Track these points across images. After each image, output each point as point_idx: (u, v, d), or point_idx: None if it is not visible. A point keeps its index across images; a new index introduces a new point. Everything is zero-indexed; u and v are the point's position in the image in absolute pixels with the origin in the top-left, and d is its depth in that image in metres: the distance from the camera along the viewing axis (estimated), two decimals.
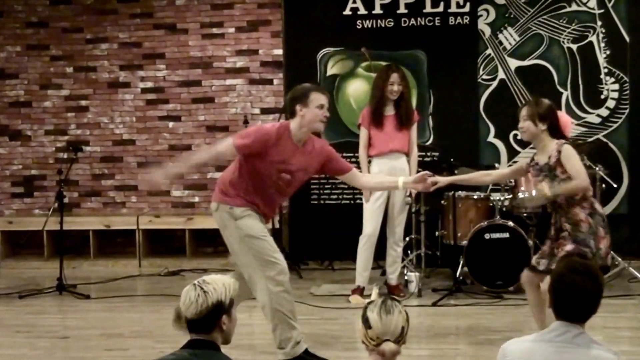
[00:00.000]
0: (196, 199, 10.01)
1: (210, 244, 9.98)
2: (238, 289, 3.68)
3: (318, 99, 5.82)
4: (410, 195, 7.69)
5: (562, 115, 5.80)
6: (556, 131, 5.67)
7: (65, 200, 8.68)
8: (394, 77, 7.56)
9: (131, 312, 7.76)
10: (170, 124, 10.01)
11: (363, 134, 7.74)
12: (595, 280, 3.42)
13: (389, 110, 7.68)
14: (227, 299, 3.59)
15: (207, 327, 3.59)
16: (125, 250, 9.93)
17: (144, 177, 5.92)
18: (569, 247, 5.54)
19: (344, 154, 7.39)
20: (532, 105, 5.68)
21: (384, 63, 8.37)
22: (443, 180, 6.09)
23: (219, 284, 3.60)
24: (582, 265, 3.45)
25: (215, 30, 9.88)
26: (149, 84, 10.00)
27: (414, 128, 7.77)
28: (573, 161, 5.55)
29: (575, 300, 3.39)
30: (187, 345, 3.64)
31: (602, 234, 5.58)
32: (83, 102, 10.13)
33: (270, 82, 9.84)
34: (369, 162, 7.72)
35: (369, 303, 3.56)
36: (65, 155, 9.46)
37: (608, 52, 9.02)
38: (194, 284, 3.60)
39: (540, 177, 5.71)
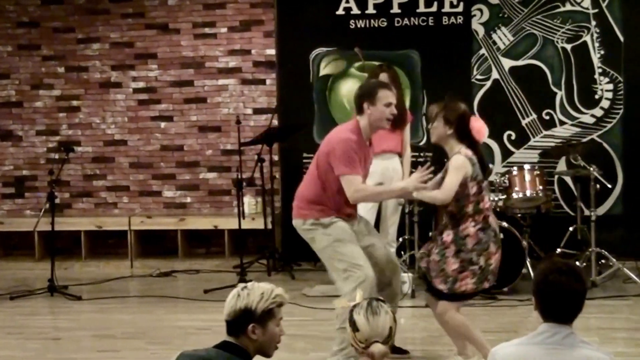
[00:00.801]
0: (188, 200, 9.97)
1: (202, 244, 9.96)
2: (282, 298, 3.60)
3: (386, 96, 5.77)
4: None
5: (476, 120, 5.74)
6: (465, 136, 5.59)
7: (57, 200, 8.66)
8: (383, 76, 7.55)
9: (123, 313, 7.73)
10: (162, 124, 9.96)
11: None
12: (580, 278, 3.41)
13: None
14: (259, 308, 3.55)
15: (235, 330, 3.59)
16: (117, 251, 9.89)
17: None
18: (454, 265, 5.50)
19: None
20: (442, 107, 5.59)
21: (377, 63, 8.35)
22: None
23: (256, 291, 3.57)
24: (565, 265, 3.43)
25: (207, 30, 9.84)
26: (141, 84, 9.95)
27: (407, 129, 7.75)
28: (451, 173, 5.48)
29: (562, 300, 3.38)
30: (219, 345, 3.62)
31: (494, 250, 5.53)
32: (75, 103, 10.08)
33: (262, 82, 9.81)
34: None
35: (355, 306, 3.54)
36: (57, 156, 9.41)
37: (602, 52, 9.00)
38: (238, 288, 3.61)
39: (438, 183, 5.64)
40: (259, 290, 3.57)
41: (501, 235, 7.54)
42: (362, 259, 5.69)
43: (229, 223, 9.38)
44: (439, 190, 5.52)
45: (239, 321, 3.56)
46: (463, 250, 5.49)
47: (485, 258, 5.50)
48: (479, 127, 5.67)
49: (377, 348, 3.46)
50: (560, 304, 3.39)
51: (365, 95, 5.77)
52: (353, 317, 3.49)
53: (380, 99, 5.73)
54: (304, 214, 5.89)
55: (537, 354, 3.38)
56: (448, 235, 5.53)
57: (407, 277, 7.84)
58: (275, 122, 9.23)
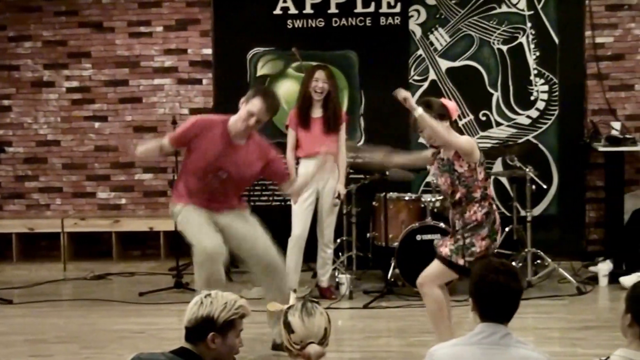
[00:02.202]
0: (123, 201, 9.83)
1: (137, 247, 9.84)
2: (245, 310, 3.60)
3: (255, 105, 5.91)
4: (338, 196, 7.67)
5: (448, 102, 5.84)
6: (456, 125, 5.70)
7: None
8: (318, 74, 7.57)
9: (56, 317, 7.60)
10: (97, 125, 9.81)
11: (290, 135, 7.74)
12: (516, 278, 3.45)
13: (317, 112, 7.66)
14: (221, 318, 3.53)
15: (194, 338, 3.55)
16: (50, 254, 9.72)
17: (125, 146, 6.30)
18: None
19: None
20: (427, 110, 5.58)
21: (314, 63, 8.33)
22: (399, 160, 6.05)
23: (219, 300, 3.56)
24: (502, 265, 3.47)
25: (142, 29, 9.71)
26: (75, 84, 9.79)
27: (343, 129, 7.76)
28: (460, 138, 5.54)
29: (499, 300, 3.41)
30: (176, 350, 3.57)
31: (484, 234, 5.55)
32: (5, 102, 9.88)
33: (199, 82, 9.71)
34: (297, 162, 7.69)
35: (289, 308, 3.52)
36: None
37: (538, 54, 9.07)
38: (202, 294, 3.60)
39: (440, 171, 5.66)
40: (222, 300, 3.56)
41: (439, 236, 7.72)
42: (202, 233, 5.89)
43: (164, 224, 9.27)
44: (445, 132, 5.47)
45: (200, 329, 3.54)
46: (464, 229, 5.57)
47: (475, 238, 5.53)
48: (452, 106, 5.73)
49: (313, 349, 3.44)
50: (497, 304, 3.42)
51: (248, 96, 6.00)
52: (287, 319, 3.47)
53: (250, 104, 5.92)
54: (172, 199, 6.22)
55: (474, 354, 3.40)
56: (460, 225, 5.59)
57: (344, 278, 7.84)
58: None
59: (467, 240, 5.54)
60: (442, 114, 5.60)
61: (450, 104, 5.78)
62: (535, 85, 9.09)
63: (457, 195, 5.58)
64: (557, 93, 9.07)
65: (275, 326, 5.75)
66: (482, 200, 5.57)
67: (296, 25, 9.23)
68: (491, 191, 5.75)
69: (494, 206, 5.68)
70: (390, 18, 9.16)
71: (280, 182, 6.35)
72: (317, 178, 7.37)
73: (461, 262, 5.56)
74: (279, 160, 6.30)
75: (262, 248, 6.08)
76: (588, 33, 9.11)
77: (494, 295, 3.41)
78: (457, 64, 9.14)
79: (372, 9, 9.15)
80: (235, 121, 5.97)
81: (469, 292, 3.54)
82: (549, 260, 8.15)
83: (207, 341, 3.53)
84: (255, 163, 6.03)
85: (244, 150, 5.99)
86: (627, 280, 7.88)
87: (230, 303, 3.56)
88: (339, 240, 8.29)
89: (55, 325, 7.32)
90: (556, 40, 9.06)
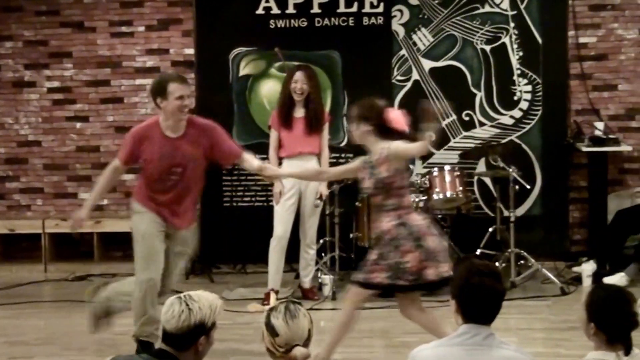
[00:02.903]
0: (105, 202, 9.76)
1: (119, 247, 9.76)
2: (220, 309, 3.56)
3: (176, 89, 5.86)
4: (320, 197, 7.65)
5: (391, 110, 5.79)
6: (384, 131, 5.60)
7: None
8: (298, 75, 7.55)
9: (36, 318, 7.57)
10: (78, 125, 9.75)
11: (273, 135, 7.73)
12: (499, 279, 3.46)
13: (299, 112, 7.65)
14: (210, 321, 3.48)
15: (183, 345, 3.47)
16: (31, 255, 9.63)
17: (73, 223, 6.25)
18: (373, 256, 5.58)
19: (258, 156, 7.21)
20: (355, 107, 5.66)
21: (296, 63, 8.30)
22: (279, 172, 6.10)
23: (205, 304, 3.48)
24: (485, 266, 3.47)
25: (124, 29, 9.65)
26: (56, 84, 9.73)
27: (325, 129, 7.75)
28: (405, 146, 5.54)
29: (483, 301, 3.41)
30: (155, 353, 3.50)
31: (408, 247, 5.49)
32: None
33: None
34: (280, 163, 7.66)
35: (271, 310, 3.50)
36: None
37: (521, 54, 9.07)
38: (180, 298, 3.48)
39: (367, 175, 5.65)
40: (207, 302, 3.50)
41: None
42: (149, 262, 5.98)
43: None
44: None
45: (190, 336, 3.47)
46: (380, 243, 5.50)
47: (400, 255, 5.46)
48: (394, 116, 5.67)
49: (299, 351, 3.42)
50: (480, 305, 3.42)
51: (157, 91, 5.94)
52: (271, 322, 3.43)
53: (172, 92, 5.85)
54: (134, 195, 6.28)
55: (457, 355, 3.40)
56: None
57: (327, 279, 7.82)
58: None
59: (397, 259, 5.48)
60: (367, 119, 5.60)
61: (391, 114, 5.72)
62: (519, 86, 9.09)
63: (376, 200, 5.64)
64: (540, 93, 9.07)
65: None
66: (398, 209, 5.55)
67: (279, 25, 9.20)
68: (408, 202, 5.68)
69: (412, 217, 5.60)
70: (373, 18, 9.14)
71: (235, 160, 6.25)
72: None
73: (402, 282, 5.53)
74: (226, 138, 6.21)
75: (168, 282, 6.15)
76: (571, 33, 9.12)
77: (477, 297, 3.41)
78: (440, 64, 9.12)
79: (354, 9, 9.13)
80: (166, 117, 5.93)
81: (451, 293, 3.53)
82: (533, 260, 8.15)
83: (198, 345, 3.49)
84: (202, 146, 6.01)
85: (186, 139, 5.98)
86: (611, 281, 7.87)
87: (214, 304, 3.52)
88: (321, 241, 8.27)
89: (35, 326, 7.28)
90: (539, 41, 9.05)
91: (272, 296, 3.57)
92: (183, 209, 6.07)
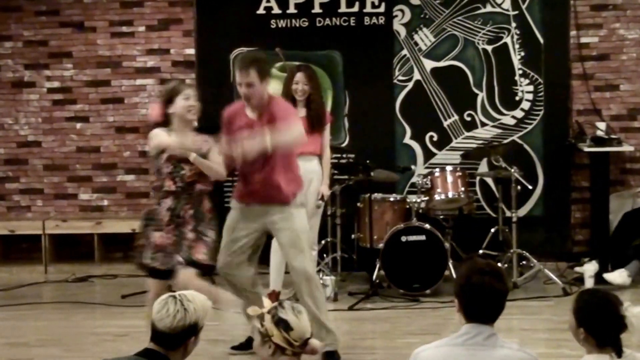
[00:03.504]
0: (105, 203, 9.74)
1: (120, 249, 9.74)
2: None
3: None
4: (322, 198, 7.61)
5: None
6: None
7: None
8: (298, 76, 7.50)
9: (37, 320, 7.54)
10: (78, 125, 9.72)
11: None
12: (502, 278, 3.47)
13: (300, 112, 7.58)
14: (202, 323, 3.51)
15: (174, 344, 3.47)
16: (31, 256, 9.61)
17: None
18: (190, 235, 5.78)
19: None
20: None
21: (297, 63, 8.26)
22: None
23: (199, 305, 3.51)
24: (487, 265, 3.47)
25: (124, 29, 9.63)
26: (56, 84, 9.70)
27: (327, 129, 7.69)
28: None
29: (484, 300, 3.41)
30: (143, 353, 3.48)
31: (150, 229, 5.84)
32: None
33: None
34: None
35: (275, 308, 3.49)
36: None
37: (522, 54, 9.05)
38: (175, 297, 3.49)
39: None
40: (200, 303, 3.53)
41: (424, 237, 7.67)
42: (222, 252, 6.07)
43: None
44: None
45: (182, 336, 3.48)
46: None
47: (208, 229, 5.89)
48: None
49: (315, 342, 3.46)
50: (483, 304, 3.42)
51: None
52: (282, 318, 3.43)
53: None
54: None
55: (460, 354, 3.39)
56: None
57: (329, 280, 7.79)
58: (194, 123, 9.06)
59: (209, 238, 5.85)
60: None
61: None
62: (520, 86, 9.06)
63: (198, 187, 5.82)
64: (542, 93, 9.05)
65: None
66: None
67: (280, 25, 9.18)
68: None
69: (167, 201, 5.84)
70: (374, 18, 9.11)
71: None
72: (304, 180, 7.35)
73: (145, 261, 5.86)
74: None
75: None
76: (573, 33, 9.10)
77: (480, 296, 3.40)
78: (441, 64, 9.10)
79: (356, 8, 9.10)
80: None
81: (454, 293, 3.53)
82: (535, 261, 8.12)
83: (188, 345, 3.50)
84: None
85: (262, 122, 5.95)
86: (611, 277, 7.87)
87: (205, 304, 3.55)
88: (323, 242, 8.24)
89: (36, 328, 7.26)
90: (541, 41, 9.03)
91: (265, 300, 3.57)
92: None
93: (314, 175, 7.54)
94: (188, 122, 5.89)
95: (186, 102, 5.84)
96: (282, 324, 3.43)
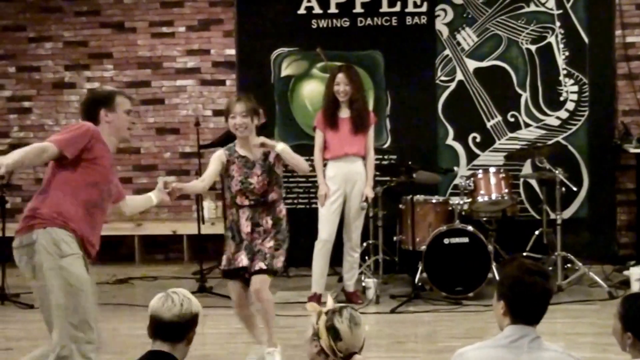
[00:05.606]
0: None
1: (161, 250, 9.79)
2: None
3: (124, 103, 5.16)
4: (366, 200, 7.56)
5: None
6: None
7: (8, 205, 8.37)
8: (340, 77, 7.46)
9: None
10: None
11: (318, 136, 7.62)
12: (549, 278, 3.44)
13: (344, 113, 7.56)
14: (200, 316, 3.60)
15: (179, 334, 3.53)
16: None
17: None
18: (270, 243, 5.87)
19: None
20: (247, 100, 5.86)
21: (339, 64, 8.21)
22: (182, 186, 5.91)
23: (192, 297, 3.62)
24: (535, 265, 3.43)
25: (165, 29, 9.65)
26: (96, 85, 9.71)
27: (371, 131, 7.64)
28: None
29: (534, 300, 3.37)
30: (148, 357, 3.46)
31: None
32: (26, 104, 9.85)
33: (222, 83, 9.64)
34: (325, 164, 7.59)
35: (333, 313, 3.46)
36: None
37: (567, 54, 8.94)
38: (172, 292, 3.62)
39: (255, 171, 5.84)
40: (193, 298, 3.64)
41: (467, 239, 7.59)
42: None
43: (188, 228, 9.20)
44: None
45: (188, 325, 3.56)
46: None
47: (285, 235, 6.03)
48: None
49: (359, 358, 3.43)
50: (531, 304, 3.38)
51: (102, 102, 5.10)
52: (335, 325, 3.39)
53: (120, 105, 5.13)
54: None
55: (504, 357, 3.35)
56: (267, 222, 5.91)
57: (371, 282, 7.73)
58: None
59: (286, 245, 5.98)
60: (258, 112, 5.91)
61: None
62: (565, 86, 8.96)
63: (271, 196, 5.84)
64: (587, 93, 8.93)
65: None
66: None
67: (321, 25, 9.13)
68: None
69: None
70: (416, 17, 9.05)
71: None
72: (345, 180, 7.33)
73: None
74: None
75: None
76: (618, 32, 9.01)
77: (530, 296, 3.36)
78: (484, 64, 9.02)
79: (398, 8, 9.06)
80: (117, 129, 5.14)
81: (499, 294, 3.46)
82: (580, 264, 8.01)
83: (189, 338, 3.58)
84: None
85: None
86: None
87: (194, 298, 3.65)
88: (365, 244, 8.20)
89: None
90: (586, 40, 8.92)
91: (329, 298, 3.54)
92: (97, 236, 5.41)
93: (358, 177, 7.51)
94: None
95: (232, 121, 5.88)
96: (333, 332, 3.40)
